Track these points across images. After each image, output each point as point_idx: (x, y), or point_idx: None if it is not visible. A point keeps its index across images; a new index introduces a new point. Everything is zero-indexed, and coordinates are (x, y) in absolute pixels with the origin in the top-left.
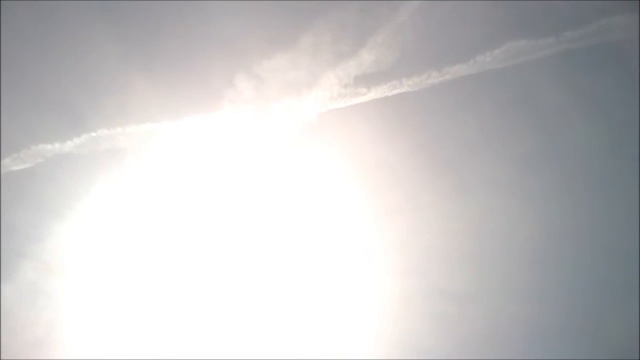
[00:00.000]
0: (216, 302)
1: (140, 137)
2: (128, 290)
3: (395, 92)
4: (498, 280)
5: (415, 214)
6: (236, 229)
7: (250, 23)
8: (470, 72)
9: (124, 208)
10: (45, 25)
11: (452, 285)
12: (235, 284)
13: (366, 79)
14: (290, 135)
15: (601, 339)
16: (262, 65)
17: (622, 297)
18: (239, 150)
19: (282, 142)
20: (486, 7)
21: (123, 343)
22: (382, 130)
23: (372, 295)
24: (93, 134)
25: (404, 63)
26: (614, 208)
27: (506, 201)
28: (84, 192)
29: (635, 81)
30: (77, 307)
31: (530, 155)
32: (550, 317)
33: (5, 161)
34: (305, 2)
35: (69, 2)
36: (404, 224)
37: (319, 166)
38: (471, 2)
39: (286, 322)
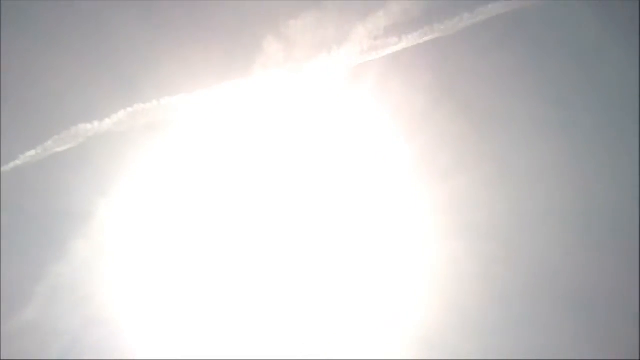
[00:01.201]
0: (268, 267)
1: (176, 108)
2: (171, 265)
3: (427, 38)
4: (546, 241)
5: (457, 170)
6: (279, 193)
7: None
8: (504, 10)
9: (167, 181)
10: (74, 5)
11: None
12: (283, 244)
13: (396, 29)
14: (324, 93)
15: None
16: (290, 26)
17: None
18: (275, 113)
19: (317, 102)
20: None
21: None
22: (417, 79)
23: (420, 258)
24: (129, 109)
25: (434, 8)
26: None
27: (551, 152)
28: (126, 168)
29: None
30: (122, 283)
31: (572, 95)
32: (600, 281)
33: (48, 144)
34: None
35: None
36: (447, 182)
37: (356, 122)
38: None
39: (334, 279)
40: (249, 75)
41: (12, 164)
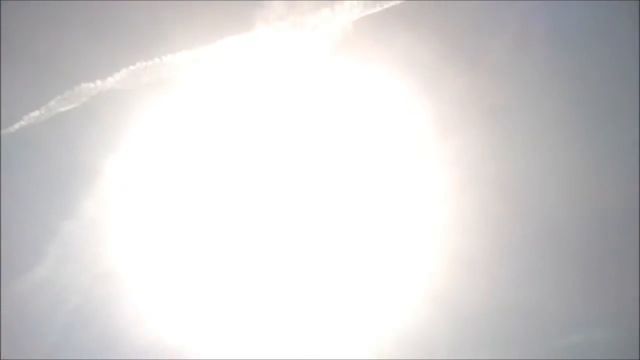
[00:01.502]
0: (278, 228)
1: (179, 65)
2: (178, 222)
3: None
4: (554, 195)
5: (464, 124)
6: (283, 150)
7: None
8: None
9: (172, 139)
10: None
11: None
12: (288, 201)
13: None
14: (328, 47)
15: None
16: None
17: None
18: (278, 68)
19: (321, 56)
20: None
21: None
22: (422, 32)
23: (427, 213)
24: (132, 67)
25: None
26: None
27: (560, 106)
28: (131, 126)
29: None
30: (130, 240)
31: (581, 49)
32: (607, 236)
33: (51, 104)
34: None
35: None
36: (454, 136)
37: (360, 77)
38: None
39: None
40: (251, 31)
41: (16, 125)
